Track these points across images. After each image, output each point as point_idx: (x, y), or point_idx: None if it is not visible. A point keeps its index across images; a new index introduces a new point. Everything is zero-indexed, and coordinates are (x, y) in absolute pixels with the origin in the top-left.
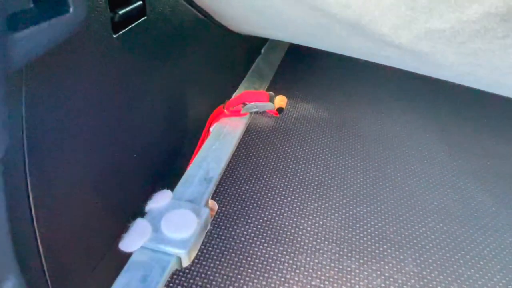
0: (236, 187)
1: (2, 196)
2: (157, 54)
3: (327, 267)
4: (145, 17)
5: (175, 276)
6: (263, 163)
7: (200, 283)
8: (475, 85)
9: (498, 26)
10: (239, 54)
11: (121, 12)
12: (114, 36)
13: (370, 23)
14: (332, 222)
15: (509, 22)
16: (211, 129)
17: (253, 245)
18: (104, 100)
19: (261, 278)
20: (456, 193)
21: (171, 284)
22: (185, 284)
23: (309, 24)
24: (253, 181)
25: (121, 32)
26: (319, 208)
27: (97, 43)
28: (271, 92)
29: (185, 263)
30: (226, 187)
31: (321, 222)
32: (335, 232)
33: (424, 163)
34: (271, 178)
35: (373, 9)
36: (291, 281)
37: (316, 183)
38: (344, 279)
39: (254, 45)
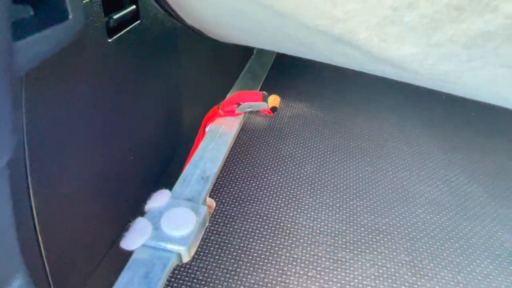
0: (233, 185)
1: (8, 199)
2: (152, 57)
3: (323, 259)
4: (138, 21)
5: (176, 272)
6: (258, 161)
7: (200, 277)
8: (454, 93)
9: (462, 52)
10: (232, 56)
11: (115, 16)
12: (109, 40)
13: (345, 49)
14: (326, 216)
15: (471, 49)
16: (206, 129)
17: (251, 239)
18: (102, 103)
19: (259, 271)
20: (445, 185)
21: (172, 279)
22: (186, 278)
23: (294, 42)
24: (249, 179)
25: (116, 36)
26: (314, 203)
27: (93, 47)
28: (264, 92)
29: (185, 259)
30: (223, 185)
31: (316, 217)
32: (329, 225)
33: (415, 157)
34: (267, 175)
35: (347, 42)
36: (289, 273)
37: (311, 179)
38: (339, 269)
39: (247, 46)
